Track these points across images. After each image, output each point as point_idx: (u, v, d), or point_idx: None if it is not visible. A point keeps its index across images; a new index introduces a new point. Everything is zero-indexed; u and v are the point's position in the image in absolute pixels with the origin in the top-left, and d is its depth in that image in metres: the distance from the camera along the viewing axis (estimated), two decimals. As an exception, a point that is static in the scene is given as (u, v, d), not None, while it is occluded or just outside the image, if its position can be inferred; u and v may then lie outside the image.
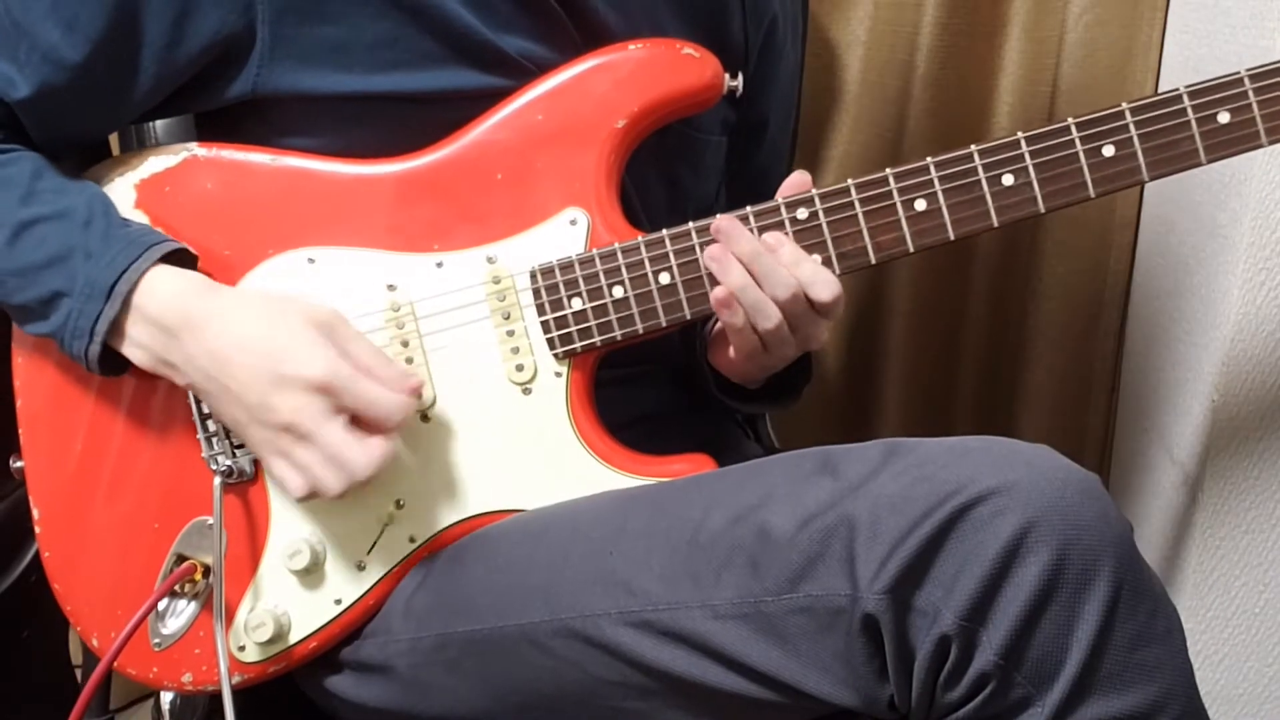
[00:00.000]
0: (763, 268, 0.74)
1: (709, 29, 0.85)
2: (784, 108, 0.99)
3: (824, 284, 0.74)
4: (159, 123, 0.90)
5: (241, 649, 0.78)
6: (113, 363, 0.75)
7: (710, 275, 0.76)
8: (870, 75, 1.18)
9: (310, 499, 0.72)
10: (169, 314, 0.72)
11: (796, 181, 0.76)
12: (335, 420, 0.70)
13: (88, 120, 0.79)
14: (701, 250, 0.76)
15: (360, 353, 0.72)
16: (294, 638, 0.78)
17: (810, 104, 1.18)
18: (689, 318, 0.77)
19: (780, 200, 0.75)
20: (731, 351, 0.79)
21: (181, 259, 0.75)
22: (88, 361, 0.73)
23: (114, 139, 0.91)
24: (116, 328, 0.73)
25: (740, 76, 0.79)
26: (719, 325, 0.82)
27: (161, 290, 0.73)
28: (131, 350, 0.74)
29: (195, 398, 0.78)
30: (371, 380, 0.71)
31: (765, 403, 0.90)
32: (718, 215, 0.76)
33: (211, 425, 0.78)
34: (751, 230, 0.75)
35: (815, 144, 1.22)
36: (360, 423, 0.71)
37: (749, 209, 0.76)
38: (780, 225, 0.75)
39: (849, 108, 1.20)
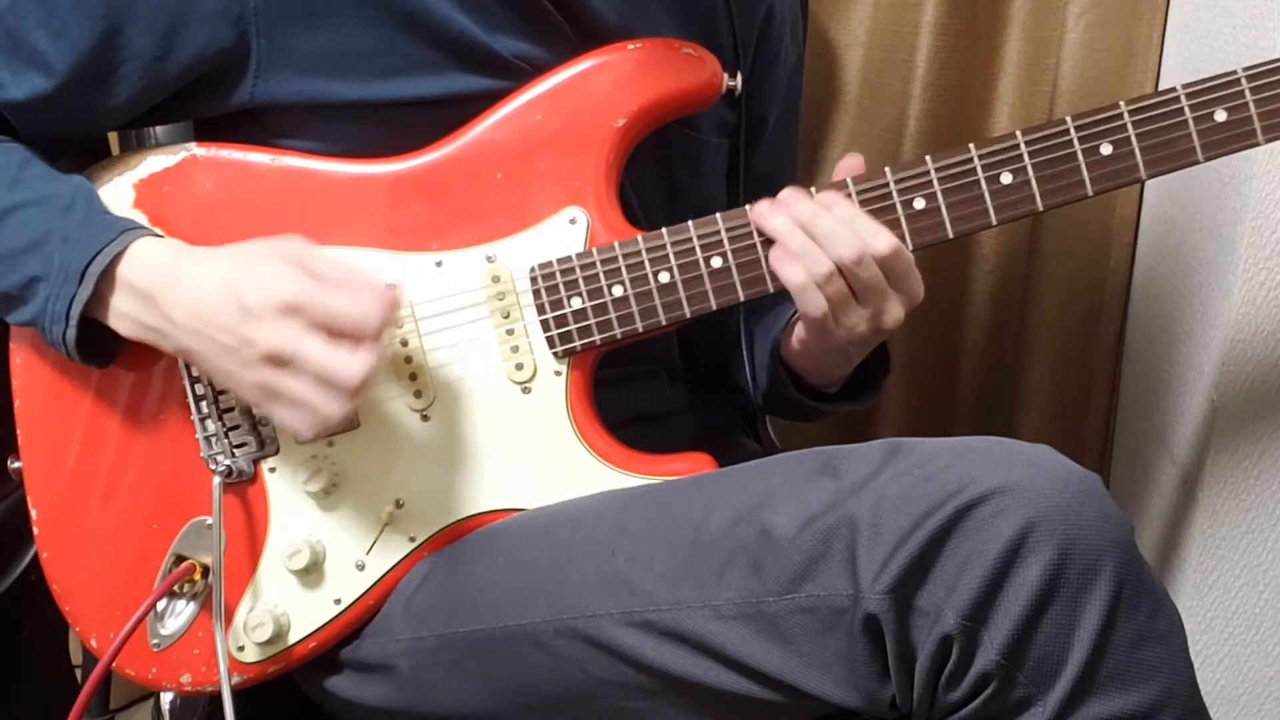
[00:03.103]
0: (824, 227, 0.72)
1: (702, 30, 0.85)
2: (783, 107, 0.99)
3: (881, 236, 0.72)
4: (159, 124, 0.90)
5: (241, 649, 0.78)
6: (94, 350, 0.74)
7: (710, 273, 0.76)
8: (870, 75, 1.18)
9: (322, 435, 0.71)
10: (148, 278, 0.72)
11: (851, 164, 0.76)
12: (313, 336, 0.68)
13: (75, 125, 0.79)
14: (701, 250, 0.76)
15: (327, 270, 0.70)
16: (293, 638, 0.78)
17: (810, 104, 1.17)
18: (689, 316, 0.77)
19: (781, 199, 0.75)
20: (800, 331, 0.78)
21: None
22: (66, 346, 0.73)
23: (114, 138, 0.91)
24: (101, 303, 0.72)
25: (739, 76, 0.79)
26: (790, 321, 0.81)
27: (142, 259, 0.72)
28: (117, 321, 0.73)
29: (193, 396, 0.78)
30: (338, 291, 0.69)
31: (846, 401, 0.89)
32: (717, 215, 0.76)
33: (210, 425, 0.78)
34: (752, 230, 0.75)
35: (815, 144, 1.22)
36: (336, 335, 0.69)
37: (748, 208, 0.76)
38: (780, 224, 0.75)
39: (849, 108, 1.20)
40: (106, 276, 0.72)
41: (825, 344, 0.79)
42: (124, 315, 0.73)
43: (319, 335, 0.68)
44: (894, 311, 0.75)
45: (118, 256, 0.72)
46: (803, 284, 0.73)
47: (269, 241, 0.72)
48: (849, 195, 0.74)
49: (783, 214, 0.74)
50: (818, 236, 0.73)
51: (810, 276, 0.73)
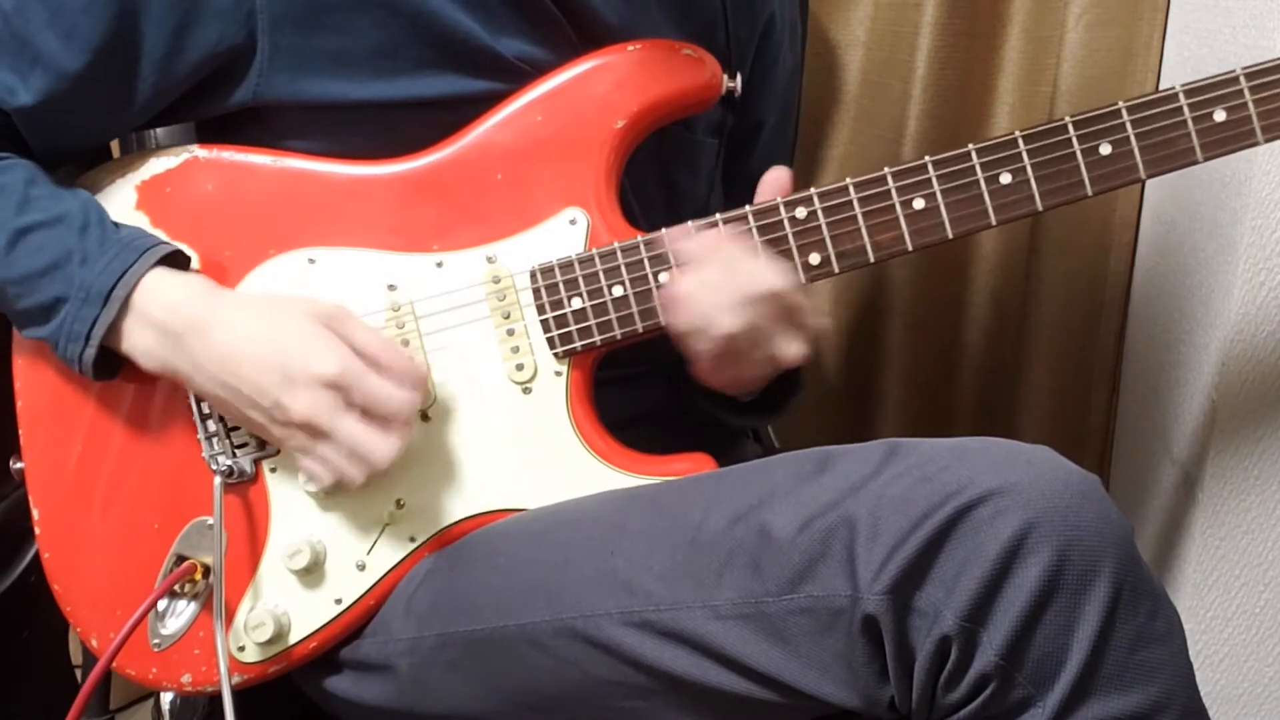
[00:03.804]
0: (697, 293, 0.73)
1: (703, 29, 0.85)
2: (780, 110, 0.99)
3: (760, 280, 0.72)
4: (159, 128, 0.90)
5: (241, 649, 0.78)
6: (106, 367, 0.75)
7: None
8: (870, 75, 1.18)
9: (333, 491, 0.73)
10: (173, 318, 0.73)
11: (776, 180, 0.76)
12: (349, 415, 0.71)
13: (87, 129, 0.79)
14: None
15: (367, 344, 0.72)
16: (294, 638, 0.78)
17: (810, 104, 1.18)
18: (689, 317, 0.77)
19: (779, 200, 0.76)
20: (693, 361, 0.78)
21: (176, 261, 0.75)
22: (81, 365, 0.73)
23: (114, 142, 0.91)
24: (116, 332, 0.73)
25: (739, 78, 0.80)
26: None
27: (164, 294, 0.73)
28: (138, 356, 0.74)
29: (196, 397, 0.78)
30: (380, 375, 0.72)
31: (753, 416, 0.90)
32: (718, 216, 0.76)
33: (212, 425, 0.78)
34: (750, 230, 0.75)
35: (815, 144, 1.22)
36: (370, 414, 0.71)
37: (748, 208, 0.76)
38: (779, 224, 0.75)
39: (849, 108, 1.20)
40: (126, 304, 0.72)
41: (722, 372, 0.78)
42: (146, 352, 0.74)
43: (355, 413, 0.71)
44: (789, 349, 0.75)
45: (137, 284, 0.72)
46: (687, 334, 0.75)
47: (310, 305, 0.73)
48: (749, 229, 0.75)
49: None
50: (705, 291, 0.73)
51: (693, 328, 0.74)
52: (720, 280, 0.73)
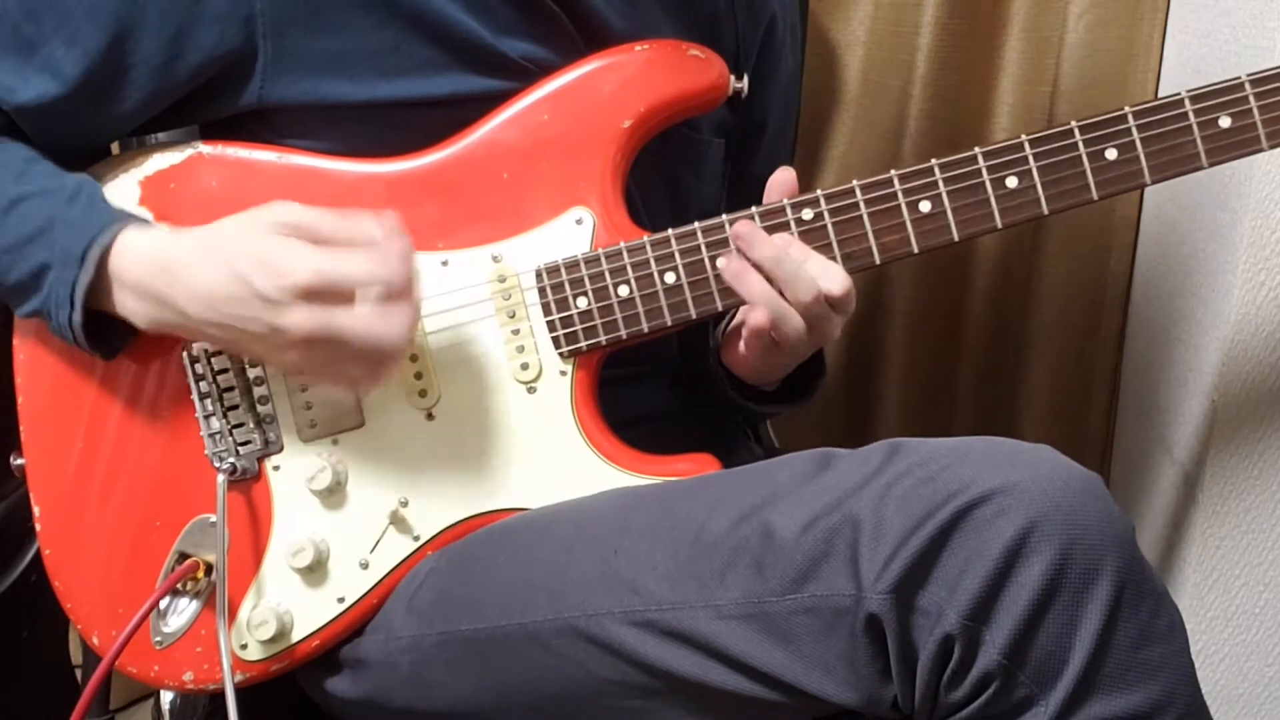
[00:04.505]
0: (785, 272, 0.73)
1: (706, 30, 0.85)
2: (783, 111, 0.99)
3: (834, 278, 0.74)
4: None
5: (244, 647, 0.78)
6: (101, 338, 0.74)
7: (716, 274, 0.76)
8: (870, 75, 1.18)
9: (376, 386, 0.71)
10: (144, 274, 0.71)
11: (783, 181, 0.77)
12: (345, 309, 0.67)
13: (86, 129, 0.79)
14: (707, 250, 0.76)
15: (328, 229, 0.69)
16: (296, 636, 0.78)
17: (810, 104, 1.18)
18: (694, 318, 0.77)
19: (785, 201, 0.76)
20: (743, 347, 0.79)
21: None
22: (73, 332, 0.72)
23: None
24: (105, 295, 0.72)
25: (745, 78, 0.80)
26: (732, 324, 0.82)
27: (132, 249, 0.72)
28: (130, 317, 0.73)
29: (198, 393, 0.78)
30: (353, 254, 0.68)
31: (782, 403, 0.90)
32: (724, 217, 0.76)
33: (215, 423, 0.78)
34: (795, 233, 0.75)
35: (815, 144, 1.22)
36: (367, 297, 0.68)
37: (754, 209, 0.76)
38: (785, 226, 0.75)
39: (849, 108, 1.20)
40: (103, 267, 0.71)
41: (767, 359, 0.79)
42: (134, 311, 0.73)
43: (350, 306, 0.67)
44: (833, 332, 0.77)
45: (110, 247, 0.71)
46: (760, 327, 0.75)
47: (255, 214, 0.70)
48: (792, 230, 0.76)
49: (752, 274, 0.75)
50: (779, 280, 0.74)
51: (770, 315, 0.74)
52: (793, 276, 0.73)
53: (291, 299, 0.67)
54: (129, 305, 0.73)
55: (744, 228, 0.75)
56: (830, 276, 0.74)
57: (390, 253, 0.68)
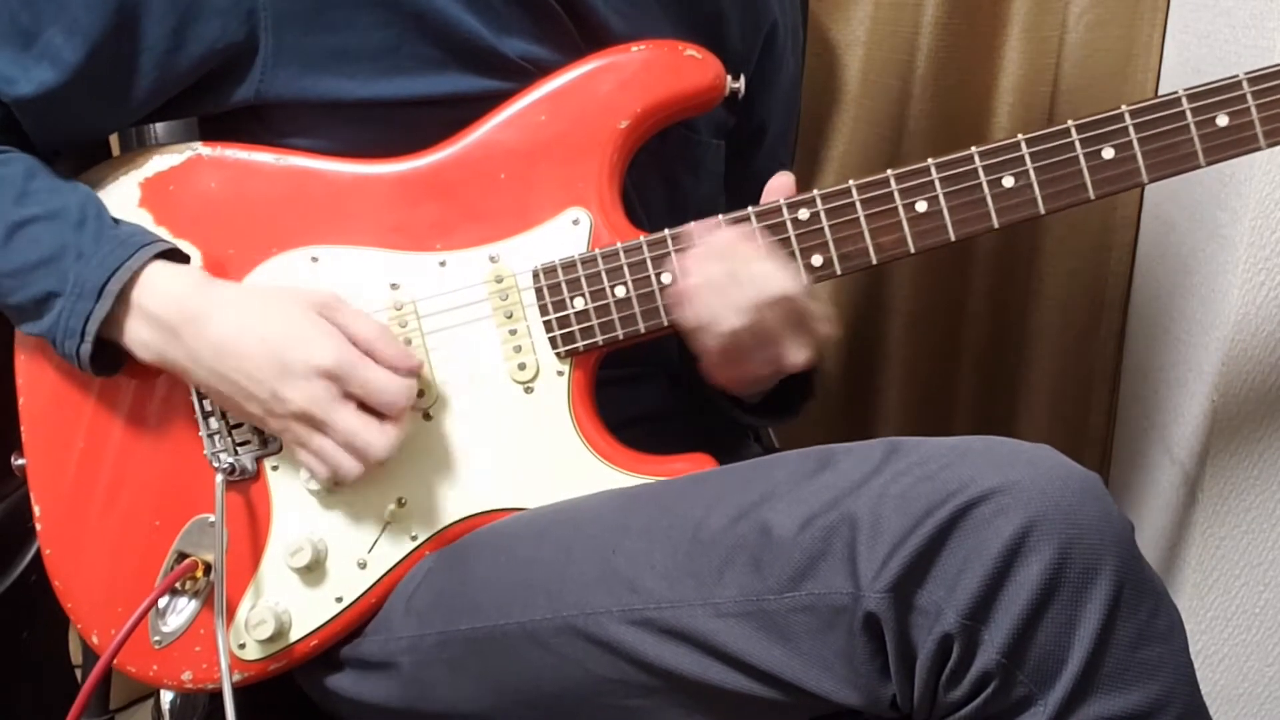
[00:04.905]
0: (718, 282, 0.72)
1: (707, 32, 0.85)
2: (784, 115, 0.99)
3: (774, 282, 0.72)
4: (160, 124, 0.90)
5: (242, 647, 0.78)
6: (106, 363, 0.75)
7: None
8: (870, 75, 1.18)
9: (332, 486, 0.73)
10: (169, 310, 0.73)
11: (781, 186, 0.76)
12: (346, 406, 0.71)
13: (86, 121, 0.79)
14: None
15: (361, 332, 0.73)
16: (295, 635, 0.78)
17: (810, 104, 1.18)
18: (692, 318, 0.77)
19: (782, 201, 0.76)
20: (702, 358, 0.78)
21: (174, 258, 0.75)
22: (79, 360, 0.74)
23: (114, 139, 0.91)
24: (116, 325, 0.73)
25: (742, 79, 0.80)
26: None
27: (160, 287, 0.73)
28: (135, 348, 0.74)
29: (197, 394, 0.78)
30: (376, 365, 0.72)
31: (764, 416, 0.90)
32: (720, 217, 0.76)
33: (214, 423, 0.78)
34: (753, 231, 0.75)
35: (815, 144, 1.22)
36: (367, 406, 0.72)
37: (750, 209, 0.76)
38: (781, 226, 0.75)
39: (849, 108, 1.20)
40: (123, 297, 0.73)
41: (730, 370, 0.78)
42: (144, 344, 0.74)
43: (351, 404, 0.71)
44: (794, 355, 0.75)
45: (134, 277, 0.73)
46: (694, 329, 0.74)
47: (305, 294, 0.73)
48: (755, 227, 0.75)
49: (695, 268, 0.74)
50: (714, 290, 0.73)
51: (700, 324, 0.74)
52: (730, 280, 0.73)
53: (307, 375, 0.70)
54: (141, 335, 0.74)
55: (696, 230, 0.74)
56: (772, 281, 0.72)
57: (405, 382, 0.73)
